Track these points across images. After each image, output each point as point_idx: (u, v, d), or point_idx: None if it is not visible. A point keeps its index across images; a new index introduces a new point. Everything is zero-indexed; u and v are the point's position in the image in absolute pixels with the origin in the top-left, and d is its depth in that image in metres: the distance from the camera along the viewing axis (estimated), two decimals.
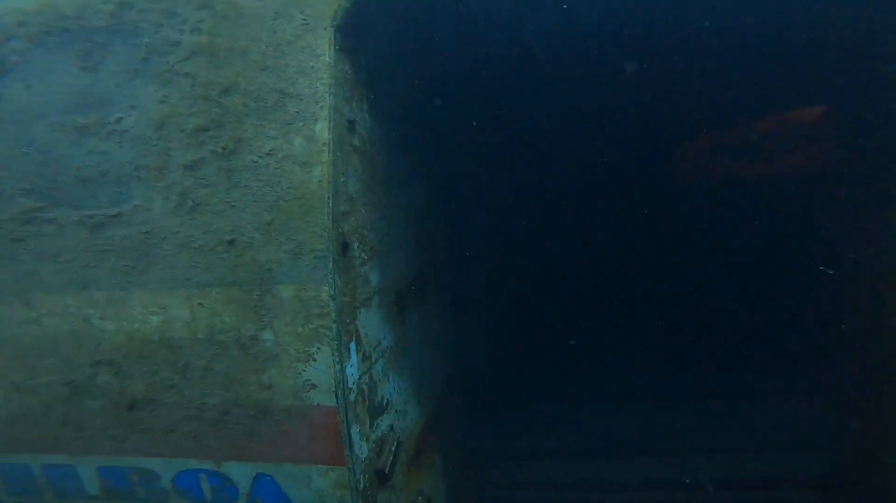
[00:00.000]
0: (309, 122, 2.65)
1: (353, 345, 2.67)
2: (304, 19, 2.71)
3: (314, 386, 2.44)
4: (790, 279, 6.77)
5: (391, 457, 3.08)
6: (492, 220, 6.73)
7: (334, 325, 2.45)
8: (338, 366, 2.45)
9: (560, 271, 7.36)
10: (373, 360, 3.03)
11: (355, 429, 2.63)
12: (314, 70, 2.72)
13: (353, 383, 2.66)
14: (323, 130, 2.66)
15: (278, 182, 2.49)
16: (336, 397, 2.46)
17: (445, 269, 5.14)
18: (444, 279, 5.07)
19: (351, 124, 3.05)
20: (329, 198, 2.56)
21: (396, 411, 3.42)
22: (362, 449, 2.76)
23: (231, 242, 2.42)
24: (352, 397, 2.61)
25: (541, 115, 5.91)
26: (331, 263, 2.48)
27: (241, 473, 2.52)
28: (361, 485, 2.72)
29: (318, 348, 2.43)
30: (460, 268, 5.80)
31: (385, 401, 3.21)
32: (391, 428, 3.28)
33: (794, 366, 6.66)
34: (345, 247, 2.72)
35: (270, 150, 2.52)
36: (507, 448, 6.06)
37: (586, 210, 7.06)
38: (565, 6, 3.52)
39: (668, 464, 5.94)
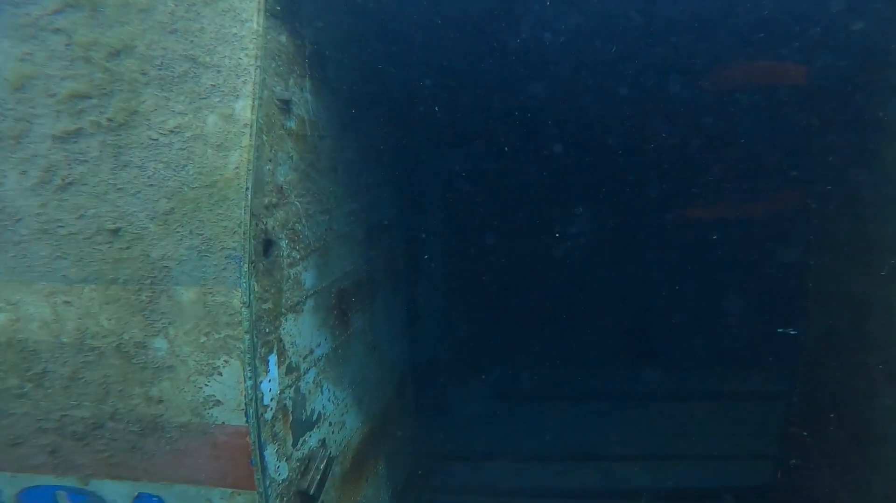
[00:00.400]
0: (227, 99, 2.30)
1: (272, 358, 2.35)
2: None
3: (218, 402, 2.12)
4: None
5: (319, 476, 2.78)
6: (456, 212, 6.43)
7: (247, 336, 2.13)
8: (249, 382, 2.13)
9: (527, 263, 7.11)
10: (301, 372, 2.72)
11: (271, 450, 2.32)
12: (237, 38, 2.36)
13: (272, 399, 2.34)
14: (245, 109, 2.31)
15: (184, 165, 2.14)
16: (246, 416, 2.14)
17: (402, 264, 4.83)
18: (399, 275, 4.76)
19: (285, 104, 2.70)
20: (248, 188, 2.22)
21: (330, 424, 3.12)
22: (281, 470, 2.45)
23: (114, 232, 2.06)
24: (268, 415, 2.29)
25: (514, 100, 5.61)
26: (246, 264, 2.15)
27: (116, 492, 2.19)
28: None
29: (226, 361, 2.11)
30: (419, 262, 5.51)
31: (316, 415, 2.90)
32: (322, 443, 2.97)
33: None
34: (268, 245, 2.39)
35: (175, 128, 2.16)
36: (460, 449, 5.82)
37: (559, 193, 6.81)
38: None
39: (632, 469, 5.78)
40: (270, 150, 2.47)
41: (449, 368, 6.22)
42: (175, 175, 2.12)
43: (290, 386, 2.57)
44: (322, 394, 3.01)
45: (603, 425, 6.25)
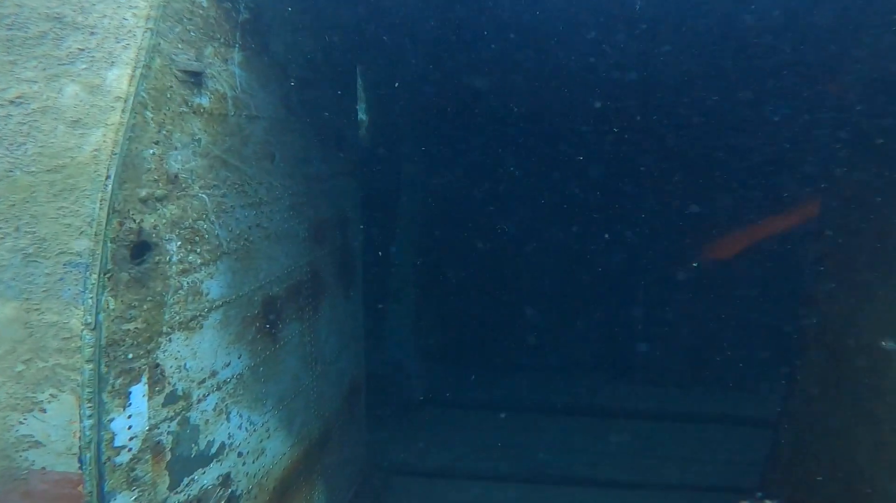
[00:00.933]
0: (98, 66, 1.84)
1: (137, 388, 1.90)
2: None
3: (37, 444, 1.68)
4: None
5: None
6: (423, 206, 5.89)
7: (89, 366, 1.68)
8: (88, 421, 1.69)
9: (504, 267, 6.62)
10: (194, 399, 2.27)
11: (124, 499, 1.88)
12: None
13: (132, 438, 1.90)
14: (120, 79, 1.86)
15: (20, 144, 1.69)
16: (80, 460, 1.70)
17: (359, 264, 4.37)
18: (355, 276, 4.31)
19: (194, 77, 2.24)
20: (110, 176, 1.76)
21: (240, 454, 2.68)
22: None
23: None
24: (121, 457, 1.85)
25: (500, 84, 5.11)
26: (95, 274, 1.70)
27: None
28: None
29: (53, 395, 1.66)
30: (382, 262, 5.02)
31: (215, 447, 2.46)
32: (223, 479, 2.54)
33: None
34: (142, 248, 1.93)
35: (16, 98, 1.71)
36: (417, 464, 5.35)
37: (543, 193, 6.30)
38: None
39: (601, 496, 5.34)
40: (159, 131, 2.02)
41: (412, 376, 5.76)
42: (5, 155, 1.67)
43: (172, 418, 2.13)
44: (228, 421, 2.57)
45: (575, 443, 5.80)
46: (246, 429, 2.75)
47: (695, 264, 5.90)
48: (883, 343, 2.83)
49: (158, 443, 2.05)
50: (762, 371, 5.97)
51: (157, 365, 2.03)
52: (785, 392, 4.39)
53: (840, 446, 3.57)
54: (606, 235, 6.11)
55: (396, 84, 4.63)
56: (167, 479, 2.11)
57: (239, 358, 2.65)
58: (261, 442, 2.91)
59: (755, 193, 5.74)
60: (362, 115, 5.21)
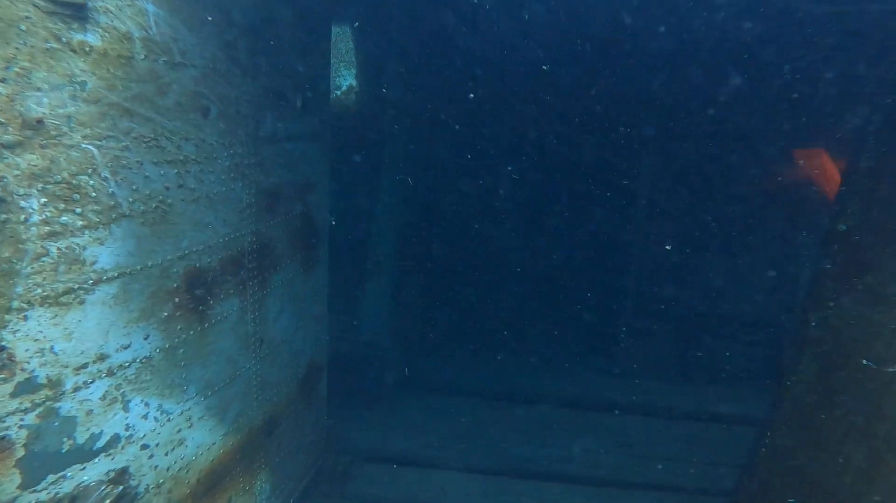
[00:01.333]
0: None
1: None
2: None
3: None
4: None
5: None
6: (406, 176, 5.43)
7: None
8: None
9: (488, 244, 6.18)
10: (67, 388, 1.95)
11: None
12: None
13: None
14: None
15: None
16: None
17: (324, 235, 4.00)
18: (317, 248, 3.94)
19: (71, 10, 1.87)
20: None
21: (144, 447, 2.37)
22: None
23: None
24: None
25: (489, 40, 4.63)
26: None
27: None
28: None
29: None
30: (354, 235, 4.62)
31: (105, 439, 2.14)
32: (117, 474, 2.23)
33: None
34: None
35: None
36: (383, 450, 5.02)
37: (534, 168, 5.82)
38: None
39: (572, 494, 4.96)
40: (7, 68, 1.66)
41: (384, 359, 5.39)
42: None
43: (28, 409, 1.81)
44: (126, 411, 2.25)
45: (551, 436, 5.42)
46: (155, 418, 2.43)
47: (668, 247, 5.41)
48: (864, 361, 2.41)
49: (3, 438, 1.74)
50: (750, 371, 5.54)
51: (2, 348, 1.70)
52: (771, 398, 3.95)
53: (828, 462, 3.15)
54: (601, 213, 5.63)
55: (380, 43, 4.19)
56: (18, 478, 1.80)
57: (146, 339, 2.32)
58: (178, 432, 2.60)
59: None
60: (348, 79, 4.81)
